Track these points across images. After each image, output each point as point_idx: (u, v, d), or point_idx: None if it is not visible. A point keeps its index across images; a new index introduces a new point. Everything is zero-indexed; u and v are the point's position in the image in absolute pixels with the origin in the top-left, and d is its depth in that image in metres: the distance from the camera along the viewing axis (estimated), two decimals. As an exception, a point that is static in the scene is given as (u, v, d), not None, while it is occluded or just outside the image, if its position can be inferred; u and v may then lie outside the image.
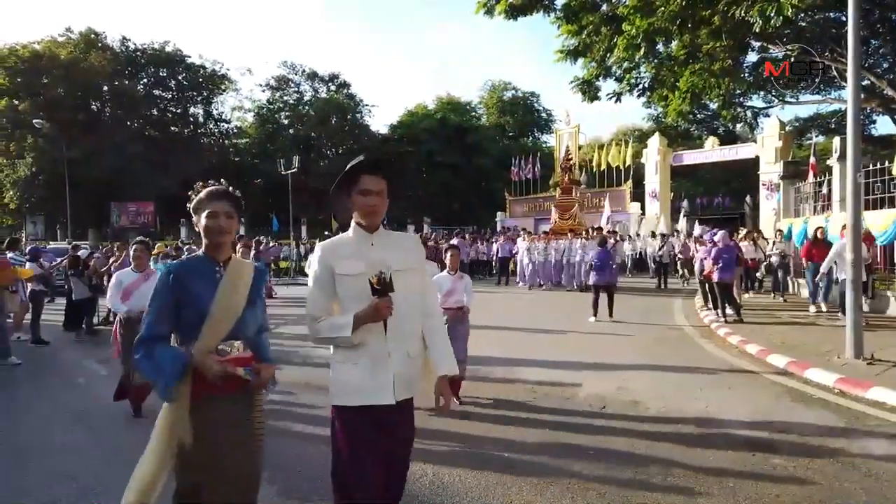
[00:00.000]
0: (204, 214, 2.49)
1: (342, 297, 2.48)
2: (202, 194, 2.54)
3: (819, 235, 11.24)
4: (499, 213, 33.72)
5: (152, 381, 2.41)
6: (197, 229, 2.55)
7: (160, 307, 2.42)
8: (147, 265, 5.90)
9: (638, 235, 22.90)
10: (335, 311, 2.52)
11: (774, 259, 13.53)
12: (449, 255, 6.10)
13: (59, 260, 11.84)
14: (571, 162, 23.12)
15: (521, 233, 20.95)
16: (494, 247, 20.81)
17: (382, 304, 2.36)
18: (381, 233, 2.57)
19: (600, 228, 20.13)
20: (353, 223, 2.57)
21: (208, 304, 2.41)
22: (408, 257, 2.60)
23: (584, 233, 18.67)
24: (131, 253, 5.96)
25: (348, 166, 2.51)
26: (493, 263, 21.11)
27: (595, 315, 10.95)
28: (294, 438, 4.83)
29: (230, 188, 2.60)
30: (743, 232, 14.71)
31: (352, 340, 2.40)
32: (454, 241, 13.29)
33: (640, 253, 21.89)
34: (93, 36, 41.86)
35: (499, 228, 30.04)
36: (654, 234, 20.99)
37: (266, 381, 2.55)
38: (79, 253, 11.75)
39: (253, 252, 14.91)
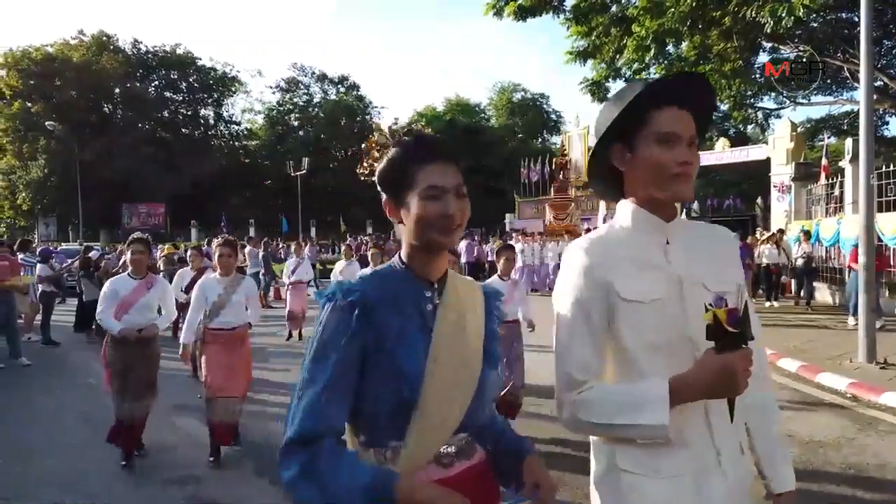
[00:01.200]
0: (418, 192, 1.23)
1: (627, 343, 1.34)
2: (400, 150, 1.27)
3: None
4: (507, 215, 33.65)
5: None
6: (393, 220, 1.31)
7: (334, 371, 1.17)
8: (147, 270, 4.64)
9: None
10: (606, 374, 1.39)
11: (800, 263, 12.48)
12: (503, 257, 5.08)
13: (69, 261, 11.92)
14: (567, 159, 22.59)
15: (514, 234, 19.98)
16: (486, 248, 20.11)
17: (740, 361, 1.21)
18: (679, 223, 1.42)
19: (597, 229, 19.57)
20: (628, 204, 1.43)
21: (419, 366, 1.22)
22: (733, 268, 1.45)
23: (582, 234, 17.98)
24: (128, 255, 4.69)
25: (630, 96, 1.34)
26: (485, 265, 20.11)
27: None
28: None
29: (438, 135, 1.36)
30: (765, 234, 13.77)
31: (667, 433, 1.25)
32: (510, 242, 10.60)
33: None
34: (105, 38, 42.38)
35: (507, 229, 29.94)
36: None
37: (552, 495, 1.32)
38: (90, 254, 11.82)
39: (261, 252, 14.91)
